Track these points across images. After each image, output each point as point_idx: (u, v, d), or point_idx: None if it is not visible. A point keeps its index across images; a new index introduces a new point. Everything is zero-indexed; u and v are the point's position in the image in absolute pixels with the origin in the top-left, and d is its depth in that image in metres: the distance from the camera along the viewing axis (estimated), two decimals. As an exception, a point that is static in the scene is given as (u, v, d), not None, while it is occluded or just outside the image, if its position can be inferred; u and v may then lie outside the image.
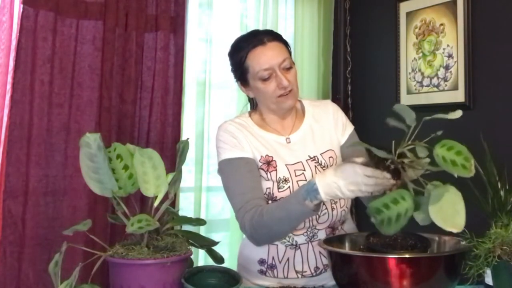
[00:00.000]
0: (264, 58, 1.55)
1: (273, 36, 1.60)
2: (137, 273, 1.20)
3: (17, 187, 2.19)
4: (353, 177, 1.26)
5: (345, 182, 1.28)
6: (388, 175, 1.24)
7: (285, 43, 1.62)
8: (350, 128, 1.69)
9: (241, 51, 1.59)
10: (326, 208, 1.55)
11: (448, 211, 1.13)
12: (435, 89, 2.69)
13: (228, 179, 1.58)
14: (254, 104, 1.73)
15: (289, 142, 1.63)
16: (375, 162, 1.25)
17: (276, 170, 1.57)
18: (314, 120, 1.68)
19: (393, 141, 1.23)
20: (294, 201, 1.41)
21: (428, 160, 1.22)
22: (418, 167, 1.22)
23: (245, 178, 1.55)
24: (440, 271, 1.19)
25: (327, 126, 1.67)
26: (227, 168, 1.59)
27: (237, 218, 1.54)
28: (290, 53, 1.62)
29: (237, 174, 1.56)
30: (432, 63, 2.73)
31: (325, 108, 1.70)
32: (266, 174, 1.57)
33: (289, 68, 1.58)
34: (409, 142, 1.22)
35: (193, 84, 2.70)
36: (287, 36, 3.00)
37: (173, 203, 2.29)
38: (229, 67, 1.67)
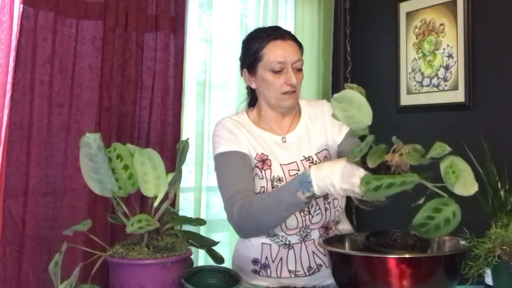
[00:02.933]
0: (281, 51, 1.58)
1: (292, 36, 1.64)
2: (137, 273, 1.20)
3: (17, 187, 2.19)
4: (349, 176, 1.24)
5: (340, 180, 1.25)
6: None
7: (301, 47, 1.65)
8: (346, 127, 1.69)
9: (260, 40, 1.61)
10: (320, 209, 1.56)
11: (462, 177, 1.14)
12: (435, 89, 2.69)
13: (221, 170, 1.59)
14: (251, 102, 1.74)
15: (285, 141, 1.64)
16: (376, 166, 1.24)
17: (270, 169, 1.58)
18: (310, 121, 1.68)
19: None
20: (286, 191, 1.38)
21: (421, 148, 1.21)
22: (416, 155, 1.20)
23: (238, 170, 1.55)
24: (440, 271, 1.19)
25: (323, 126, 1.67)
26: (221, 160, 1.59)
27: (225, 208, 1.53)
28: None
29: (230, 165, 1.56)
30: (432, 63, 2.73)
31: (321, 108, 1.71)
32: (261, 172, 1.58)
33: (299, 70, 1.61)
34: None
35: (193, 84, 2.70)
36: (287, 36, 3.01)
37: (173, 203, 2.29)
38: (238, 55, 1.68)
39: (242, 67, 1.67)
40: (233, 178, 1.54)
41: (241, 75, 1.69)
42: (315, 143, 1.64)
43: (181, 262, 1.26)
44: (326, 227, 1.59)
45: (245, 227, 1.50)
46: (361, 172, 1.22)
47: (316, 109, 1.71)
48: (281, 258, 1.58)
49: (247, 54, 1.64)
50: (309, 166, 1.58)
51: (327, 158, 1.63)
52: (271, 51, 1.58)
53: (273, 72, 1.58)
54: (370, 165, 1.17)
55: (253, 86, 1.67)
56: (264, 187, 1.56)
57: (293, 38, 1.63)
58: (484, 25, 2.51)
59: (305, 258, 1.58)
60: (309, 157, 1.61)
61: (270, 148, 1.61)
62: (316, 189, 1.30)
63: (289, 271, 1.58)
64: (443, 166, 1.13)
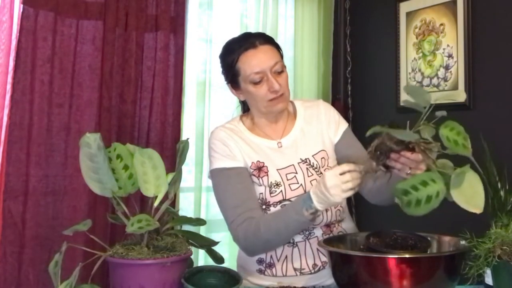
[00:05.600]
0: (255, 61, 1.55)
1: (265, 39, 1.60)
2: (137, 273, 1.21)
3: (17, 187, 2.18)
4: (330, 180, 1.32)
5: (326, 188, 1.33)
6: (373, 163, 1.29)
7: (277, 47, 1.62)
8: (343, 125, 1.69)
9: (232, 54, 1.59)
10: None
11: (469, 193, 1.17)
12: (435, 89, 2.69)
13: (219, 190, 1.59)
14: (245, 107, 1.73)
15: (281, 146, 1.63)
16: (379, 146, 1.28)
17: (267, 175, 1.57)
18: (306, 122, 1.67)
19: (408, 121, 1.25)
20: (292, 211, 1.44)
21: (438, 143, 1.25)
22: (434, 149, 1.24)
23: (237, 190, 1.55)
24: (440, 271, 1.19)
25: (319, 126, 1.67)
26: (218, 178, 1.59)
27: (230, 230, 1.55)
28: (282, 56, 1.62)
29: (228, 185, 1.56)
30: (432, 63, 2.73)
31: (316, 108, 1.70)
32: (258, 179, 1.58)
33: (280, 72, 1.57)
34: (421, 123, 1.24)
35: (193, 84, 2.70)
36: (287, 36, 3.01)
37: (173, 203, 2.29)
38: (220, 69, 1.67)
39: (226, 81, 1.67)
40: (232, 200, 1.54)
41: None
42: (311, 144, 1.64)
43: (181, 262, 1.26)
44: (328, 225, 1.60)
45: (252, 248, 1.55)
46: (337, 169, 1.32)
47: (311, 110, 1.70)
48: (286, 257, 1.58)
49: (225, 69, 1.63)
50: (306, 168, 1.60)
51: (324, 159, 1.62)
52: (246, 63, 1.56)
53: (254, 83, 1.56)
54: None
55: (241, 98, 1.67)
56: (262, 193, 1.57)
57: (266, 41, 1.59)
58: (484, 25, 2.51)
59: (309, 256, 1.58)
60: (306, 159, 1.61)
61: (266, 154, 1.61)
62: (317, 204, 1.37)
63: (295, 269, 1.58)
64: (457, 170, 1.18)
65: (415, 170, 1.28)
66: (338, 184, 1.31)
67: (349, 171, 1.32)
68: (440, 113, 1.24)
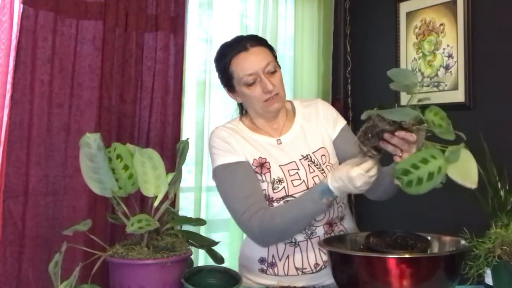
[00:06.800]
0: (247, 63, 1.57)
1: (256, 41, 1.62)
2: (137, 273, 1.21)
3: (17, 187, 2.18)
4: (359, 180, 1.33)
5: (356, 188, 1.34)
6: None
7: (270, 48, 1.64)
8: (341, 122, 1.71)
9: (225, 58, 1.61)
10: None
11: (464, 169, 1.17)
12: (435, 89, 2.69)
13: (226, 184, 1.59)
14: (243, 110, 1.74)
15: (280, 143, 1.65)
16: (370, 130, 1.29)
17: (270, 171, 1.58)
18: (305, 120, 1.69)
19: (396, 104, 1.26)
20: (308, 201, 1.45)
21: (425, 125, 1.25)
22: (423, 129, 1.25)
23: (244, 183, 1.56)
24: (440, 271, 1.19)
25: (318, 124, 1.68)
26: (223, 173, 1.59)
27: (241, 222, 1.54)
28: (275, 57, 1.64)
29: (235, 179, 1.57)
30: (432, 63, 2.73)
31: (315, 107, 1.72)
32: (261, 176, 1.58)
33: (273, 72, 1.59)
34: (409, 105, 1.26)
35: (193, 84, 2.70)
36: (287, 36, 3.01)
37: (173, 203, 2.29)
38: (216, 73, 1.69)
39: (222, 84, 1.69)
40: (242, 192, 1.55)
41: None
42: (311, 141, 1.65)
43: (181, 262, 1.26)
44: (330, 224, 1.60)
45: (268, 239, 1.55)
46: (364, 168, 1.32)
47: (310, 108, 1.72)
48: (287, 256, 1.59)
49: (220, 73, 1.66)
50: (308, 165, 1.61)
51: (324, 156, 1.63)
52: (238, 66, 1.58)
53: (247, 85, 1.58)
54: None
55: (238, 100, 1.69)
56: (265, 189, 1.57)
57: (258, 43, 1.62)
58: (484, 25, 2.51)
59: (311, 255, 1.59)
60: (307, 155, 1.62)
61: (267, 151, 1.62)
62: (337, 193, 1.39)
63: (296, 269, 1.59)
64: (452, 147, 1.18)
65: (405, 153, 1.28)
66: (367, 180, 1.34)
67: (372, 167, 1.34)
68: (424, 98, 1.24)
